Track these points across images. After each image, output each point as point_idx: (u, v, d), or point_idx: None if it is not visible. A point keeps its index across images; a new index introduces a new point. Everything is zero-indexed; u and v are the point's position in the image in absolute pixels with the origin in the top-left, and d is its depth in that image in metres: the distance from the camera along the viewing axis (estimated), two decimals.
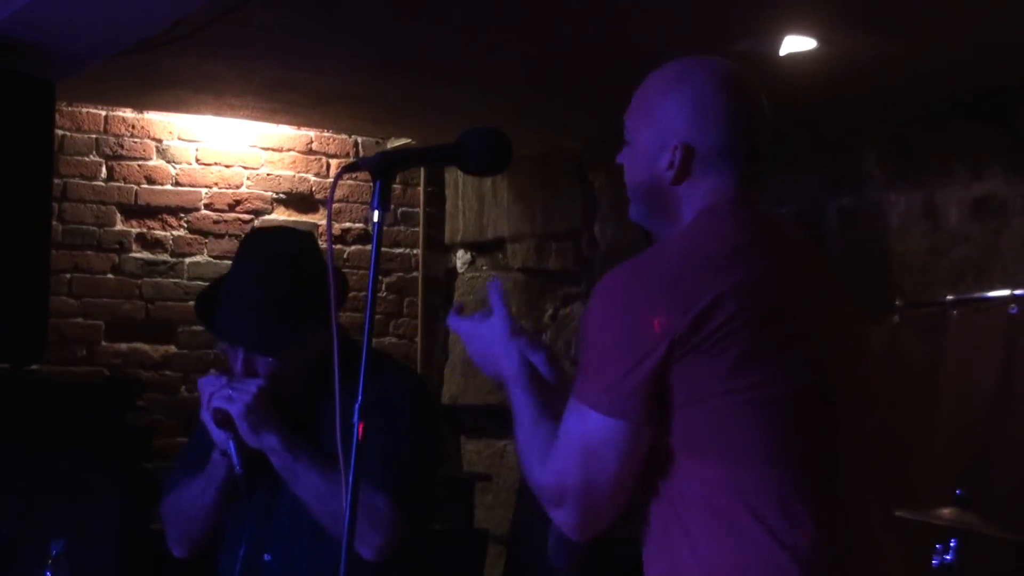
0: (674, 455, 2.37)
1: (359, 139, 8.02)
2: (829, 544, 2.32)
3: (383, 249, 8.52)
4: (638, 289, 2.37)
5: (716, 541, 2.33)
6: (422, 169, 8.21)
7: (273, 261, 3.35)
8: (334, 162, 7.93)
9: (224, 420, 3.25)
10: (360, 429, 2.43)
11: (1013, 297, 5.17)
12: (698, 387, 2.31)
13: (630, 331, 2.34)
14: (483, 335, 2.67)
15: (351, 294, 7.84)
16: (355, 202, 7.92)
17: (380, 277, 8.02)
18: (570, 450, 2.39)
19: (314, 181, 7.87)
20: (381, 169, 2.47)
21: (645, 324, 2.32)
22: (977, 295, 5.53)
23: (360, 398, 2.42)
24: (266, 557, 3.35)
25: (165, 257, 7.52)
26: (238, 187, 7.72)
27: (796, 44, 5.26)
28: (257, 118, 7.57)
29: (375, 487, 3.12)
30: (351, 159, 7.90)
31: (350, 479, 2.40)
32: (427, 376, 8.33)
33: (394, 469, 3.16)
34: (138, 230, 7.47)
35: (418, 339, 8.32)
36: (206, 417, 3.29)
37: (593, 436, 2.36)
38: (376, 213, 2.46)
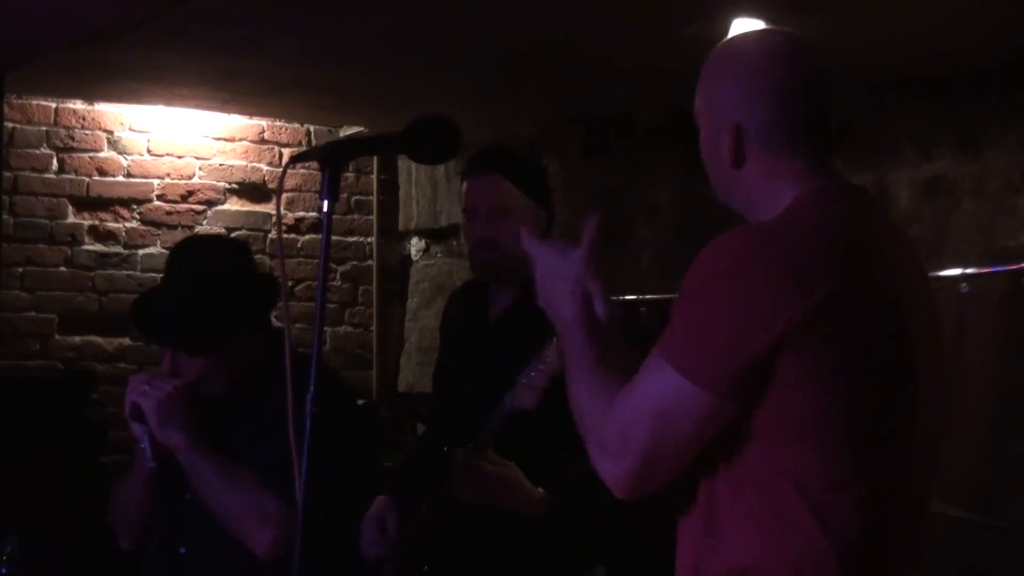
0: (744, 435, 2.29)
1: (311, 128, 8.01)
2: (879, 534, 2.30)
3: (337, 238, 8.57)
4: (761, 260, 2.26)
5: (763, 525, 2.28)
6: (375, 157, 8.20)
7: (201, 267, 3.49)
8: (287, 151, 7.90)
9: (138, 414, 3.39)
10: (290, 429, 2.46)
11: (964, 276, 5.19)
12: (800, 376, 2.23)
13: (746, 304, 2.23)
14: (558, 269, 2.51)
15: (304, 283, 7.88)
16: (308, 191, 7.89)
17: (334, 266, 8.08)
18: (643, 407, 2.28)
19: (267, 171, 7.84)
20: (329, 159, 2.46)
21: (764, 301, 2.22)
22: (929, 275, 5.55)
23: (312, 388, 2.40)
24: (181, 550, 3.49)
25: (118, 249, 7.50)
26: (190, 178, 7.69)
27: (745, 27, 5.27)
28: (209, 108, 7.55)
29: (264, 489, 3.30)
30: (304, 148, 7.90)
31: (302, 487, 2.40)
32: (383, 364, 8.33)
33: (284, 472, 3.09)
34: (90, 222, 7.44)
35: (373, 327, 8.31)
36: (127, 414, 3.43)
37: (674, 400, 2.26)
38: (325, 203, 2.44)
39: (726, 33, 5.27)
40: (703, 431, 2.27)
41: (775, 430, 2.27)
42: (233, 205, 7.76)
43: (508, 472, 3.56)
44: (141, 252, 7.52)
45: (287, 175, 7.46)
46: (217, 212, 7.72)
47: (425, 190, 8.34)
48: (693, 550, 2.39)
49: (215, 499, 3.35)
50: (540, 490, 3.58)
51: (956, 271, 5.23)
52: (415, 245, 8.50)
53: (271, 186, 7.83)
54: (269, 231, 7.65)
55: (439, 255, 8.37)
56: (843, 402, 2.27)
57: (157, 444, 3.39)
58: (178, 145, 7.65)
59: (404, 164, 8.45)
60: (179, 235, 7.48)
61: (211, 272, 3.47)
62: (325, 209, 2.44)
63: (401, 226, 8.48)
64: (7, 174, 7.10)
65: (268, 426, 3.26)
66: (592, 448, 2.38)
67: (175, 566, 3.49)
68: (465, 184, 3.92)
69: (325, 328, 7.90)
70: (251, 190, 7.82)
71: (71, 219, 7.40)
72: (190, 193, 7.69)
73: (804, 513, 2.27)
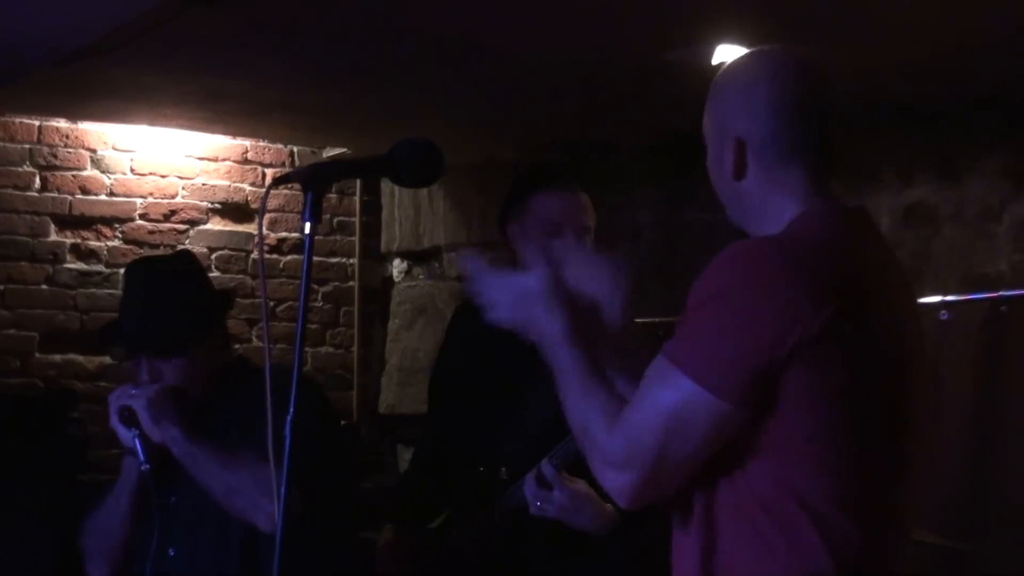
0: (748, 450, 2.29)
1: (295, 148, 8.01)
2: (876, 556, 2.32)
3: (319, 259, 8.56)
4: (777, 272, 2.27)
5: (766, 540, 2.29)
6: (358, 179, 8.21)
7: (157, 278, 3.60)
8: (270, 172, 7.90)
9: (129, 417, 3.43)
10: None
11: (944, 303, 5.20)
12: (807, 391, 2.25)
13: (761, 313, 2.24)
14: (527, 290, 2.53)
15: (287, 304, 7.87)
16: (291, 211, 7.89)
17: (316, 287, 8.08)
18: (652, 416, 2.28)
19: (250, 191, 7.83)
20: (312, 181, 2.46)
21: (779, 312, 2.23)
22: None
23: (292, 410, 2.41)
24: (171, 552, 3.50)
25: (100, 268, 7.48)
26: (173, 197, 7.69)
27: (728, 53, 5.29)
28: (192, 128, 7.55)
29: (265, 461, 3.26)
30: (287, 169, 7.90)
31: (282, 491, 2.41)
32: (364, 385, 8.33)
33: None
34: (72, 241, 7.43)
35: (355, 348, 8.31)
36: (114, 421, 3.45)
37: (685, 408, 2.26)
38: (307, 225, 2.45)
39: (710, 59, 5.29)
40: (713, 440, 2.28)
41: (780, 445, 2.28)
42: (216, 225, 7.75)
43: (583, 487, 3.54)
44: (123, 271, 7.50)
45: (270, 195, 7.47)
46: (200, 232, 7.71)
47: (408, 212, 8.35)
48: (691, 567, 2.40)
49: (218, 479, 3.36)
50: (609, 507, 3.54)
51: (936, 298, 5.24)
52: (397, 267, 8.50)
53: (254, 206, 7.81)
54: (251, 251, 7.61)
55: (421, 277, 8.37)
56: (848, 418, 2.29)
57: (149, 444, 3.41)
58: (161, 164, 7.64)
59: (387, 186, 8.46)
60: (161, 254, 7.48)
61: (164, 277, 3.60)
62: (307, 231, 2.44)
63: (383, 247, 8.48)
64: None
65: (252, 415, 3.31)
66: (594, 458, 2.38)
67: (164, 568, 3.49)
68: (547, 198, 3.75)
69: (306, 348, 7.89)
70: (234, 210, 7.81)
71: (53, 237, 7.39)
72: (173, 212, 7.68)
73: (807, 528, 2.28)
